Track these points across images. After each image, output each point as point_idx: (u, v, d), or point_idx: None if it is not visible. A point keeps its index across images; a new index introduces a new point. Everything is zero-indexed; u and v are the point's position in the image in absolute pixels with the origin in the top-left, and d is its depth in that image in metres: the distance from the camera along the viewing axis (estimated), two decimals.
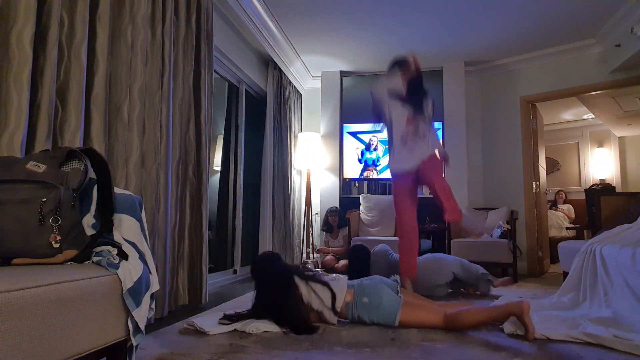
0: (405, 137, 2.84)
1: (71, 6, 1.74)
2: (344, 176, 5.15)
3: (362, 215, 4.69)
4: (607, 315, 2.18)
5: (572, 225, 6.01)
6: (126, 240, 1.24)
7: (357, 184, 5.52)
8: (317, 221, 5.19)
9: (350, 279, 2.33)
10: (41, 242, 1.03)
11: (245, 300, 2.82)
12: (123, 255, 1.18)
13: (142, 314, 1.16)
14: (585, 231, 4.23)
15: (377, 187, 5.50)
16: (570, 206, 6.71)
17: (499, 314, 1.98)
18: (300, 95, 5.56)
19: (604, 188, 5.84)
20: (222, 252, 4.11)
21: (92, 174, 1.19)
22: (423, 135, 2.86)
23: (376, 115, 3.12)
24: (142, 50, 2.16)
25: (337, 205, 4.97)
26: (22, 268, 0.98)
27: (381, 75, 3.18)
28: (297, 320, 2.00)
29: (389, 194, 5.33)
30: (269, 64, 4.70)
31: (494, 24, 4.05)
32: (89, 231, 1.18)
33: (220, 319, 2.07)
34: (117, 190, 1.28)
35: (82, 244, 1.13)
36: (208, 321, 2.05)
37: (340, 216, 4.76)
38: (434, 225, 4.60)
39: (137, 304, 1.15)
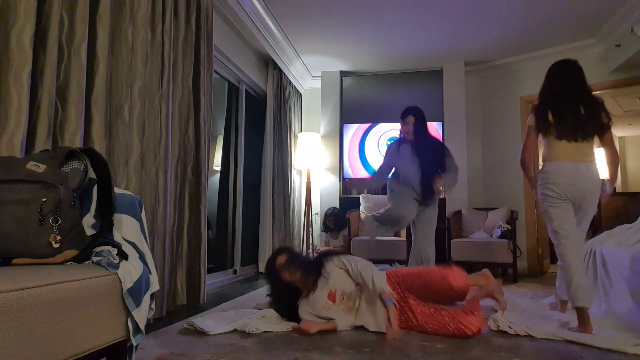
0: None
1: (71, 6, 1.74)
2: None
3: (362, 216, 4.69)
4: (607, 316, 2.18)
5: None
6: (126, 240, 1.24)
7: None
8: (317, 221, 5.19)
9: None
10: (41, 242, 1.03)
11: (246, 300, 2.82)
12: (123, 255, 1.18)
13: (142, 314, 1.16)
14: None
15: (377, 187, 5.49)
16: None
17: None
18: (300, 95, 5.56)
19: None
20: (222, 252, 4.11)
21: (92, 174, 1.19)
22: None
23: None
24: (142, 50, 2.16)
25: (337, 206, 4.96)
26: (22, 268, 0.98)
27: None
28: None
29: None
30: (269, 64, 4.70)
31: (494, 24, 4.05)
32: (89, 231, 1.18)
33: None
34: (117, 190, 1.28)
35: (82, 244, 1.13)
36: (208, 321, 2.05)
37: (340, 217, 4.75)
38: None
39: (137, 304, 1.15)
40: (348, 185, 4.88)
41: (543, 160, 2.27)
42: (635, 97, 5.20)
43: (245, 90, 4.43)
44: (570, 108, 2.19)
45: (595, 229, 3.51)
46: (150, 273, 1.26)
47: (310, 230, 5.00)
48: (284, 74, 4.87)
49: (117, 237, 1.23)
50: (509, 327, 1.98)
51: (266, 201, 4.56)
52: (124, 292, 1.11)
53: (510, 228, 4.03)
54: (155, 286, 1.28)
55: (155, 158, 2.25)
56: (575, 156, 2.16)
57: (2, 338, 0.78)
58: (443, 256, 4.15)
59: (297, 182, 5.26)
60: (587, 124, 2.15)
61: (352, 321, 2.09)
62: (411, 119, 3.09)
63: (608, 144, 2.25)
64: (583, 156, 2.17)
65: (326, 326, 2.01)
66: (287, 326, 2.06)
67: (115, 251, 1.17)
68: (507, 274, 4.20)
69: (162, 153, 2.32)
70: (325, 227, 4.84)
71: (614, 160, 2.29)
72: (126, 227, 1.26)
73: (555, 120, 2.19)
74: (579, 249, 2.16)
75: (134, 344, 1.16)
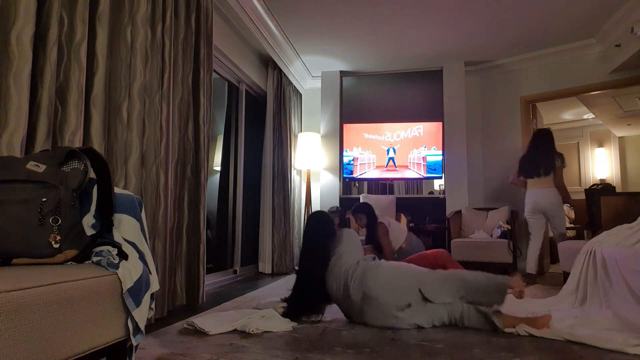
0: None
1: (71, 6, 1.74)
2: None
3: None
4: (607, 316, 2.18)
5: (572, 225, 6.01)
6: (126, 240, 1.24)
7: (357, 184, 5.52)
8: None
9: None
10: (41, 242, 1.03)
11: (245, 300, 2.82)
12: (123, 255, 1.18)
13: (142, 314, 1.16)
14: (585, 231, 4.24)
15: (377, 186, 5.50)
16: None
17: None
18: (300, 95, 5.56)
19: (604, 188, 5.84)
20: (222, 252, 4.11)
21: (92, 174, 1.19)
22: None
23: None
24: (142, 50, 2.16)
25: (338, 205, 4.96)
26: (22, 268, 0.98)
27: None
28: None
29: (389, 193, 5.33)
30: (269, 64, 4.70)
31: (494, 24, 4.05)
32: (89, 231, 1.18)
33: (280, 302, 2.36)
34: (117, 190, 1.28)
35: (82, 244, 1.13)
36: (208, 321, 2.05)
37: (341, 217, 4.75)
38: (433, 225, 4.61)
39: (137, 304, 1.15)
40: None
41: (526, 190, 3.96)
42: (635, 97, 5.20)
43: (245, 90, 4.43)
44: (534, 159, 3.86)
45: (595, 229, 3.51)
46: (150, 273, 1.26)
47: None
48: (284, 74, 4.86)
49: (117, 237, 1.23)
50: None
51: (266, 201, 4.56)
52: (123, 292, 1.11)
53: (510, 228, 4.03)
54: (155, 286, 1.28)
55: (156, 158, 2.25)
56: (538, 186, 3.82)
57: (2, 338, 0.78)
58: None
59: (297, 182, 5.25)
60: (541, 168, 3.78)
61: None
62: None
63: (558, 179, 3.78)
64: (542, 185, 3.79)
65: None
66: (287, 326, 2.07)
67: (115, 251, 1.17)
68: (507, 274, 4.19)
69: (162, 153, 2.32)
70: None
71: (562, 189, 3.78)
72: (126, 227, 1.26)
73: (528, 168, 3.89)
74: (538, 241, 3.86)
75: (134, 344, 1.16)
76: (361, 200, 4.77)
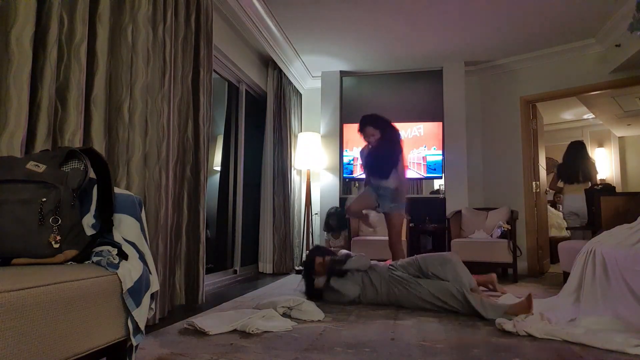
0: None
1: (71, 6, 1.74)
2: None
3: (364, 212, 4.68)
4: (607, 316, 2.18)
5: (572, 226, 6.01)
6: (126, 240, 1.24)
7: (357, 184, 5.51)
8: (317, 221, 5.19)
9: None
10: (41, 242, 1.03)
11: (245, 300, 2.82)
12: (123, 255, 1.18)
13: (142, 314, 1.16)
14: (585, 231, 4.24)
15: None
16: None
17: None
18: (300, 95, 5.56)
19: (604, 188, 5.84)
20: (222, 252, 4.11)
21: (92, 173, 1.19)
22: None
23: None
24: (144, 50, 2.16)
25: (337, 205, 4.96)
26: (22, 268, 0.98)
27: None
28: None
29: None
30: (269, 64, 4.70)
31: (494, 24, 4.05)
32: (89, 231, 1.18)
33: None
34: (117, 190, 1.28)
35: (82, 244, 1.13)
36: (208, 321, 2.05)
37: (342, 216, 4.75)
38: (433, 225, 4.62)
39: (137, 304, 1.15)
40: None
41: (562, 194, 5.14)
42: (635, 97, 5.20)
43: (245, 90, 4.43)
44: (574, 168, 4.84)
45: (595, 229, 3.51)
46: (150, 273, 1.26)
47: (310, 230, 5.00)
48: (284, 74, 4.86)
49: (117, 237, 1.23)
50: (514, 326, 1.98)
51: (266, 201, 4.56)
52: (123, 292, 1.11)
53: (510, 228, 4.03)
54: (155, 286, 1.28)
55: (159, 158, 2.25)
56: (578, 191, 4.76)
57: (2, 338, 0.78)
58: None
59: (297, 182, 5.25)
60: (580, 176, 4.80)
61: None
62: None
63: (593, 182, 4.89)
64: (581, 191, 4.71)
65: None
66: (287, 326, 2.07)
67: (115, 251, 1.17)
68: (507, 274, 4.20)
69: (164, 153, 2.32)
70: (328, 226, 4.83)
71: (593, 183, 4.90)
72: (126, 227, 1.26)
73: (569, 176, 4.89)
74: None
75: (134, 344, 1.16)
76: None
